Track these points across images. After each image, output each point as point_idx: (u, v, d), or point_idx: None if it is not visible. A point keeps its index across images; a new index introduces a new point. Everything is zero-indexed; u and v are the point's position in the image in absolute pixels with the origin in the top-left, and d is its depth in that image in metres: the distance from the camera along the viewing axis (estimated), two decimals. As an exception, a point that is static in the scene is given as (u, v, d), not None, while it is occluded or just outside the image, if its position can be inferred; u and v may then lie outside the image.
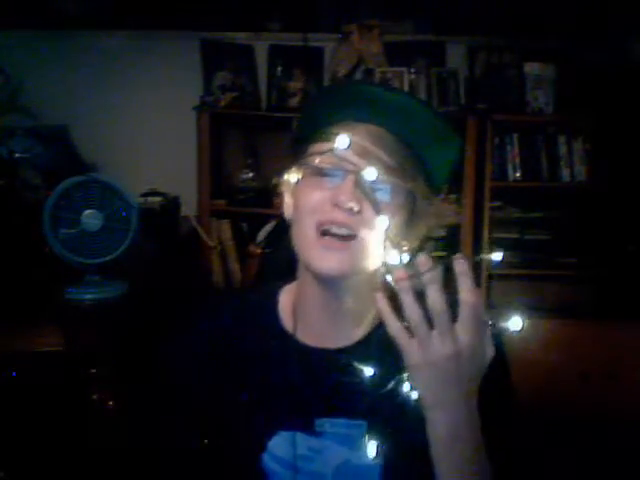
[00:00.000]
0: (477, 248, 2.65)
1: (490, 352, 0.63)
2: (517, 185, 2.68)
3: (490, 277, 2.64)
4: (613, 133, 2.62)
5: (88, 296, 1.66)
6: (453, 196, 2.66)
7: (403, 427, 0.68)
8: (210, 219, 2.64)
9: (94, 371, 1.53)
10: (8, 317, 1.58)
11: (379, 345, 0.72)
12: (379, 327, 0.72)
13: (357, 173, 0.68)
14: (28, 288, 1.68)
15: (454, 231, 2.66)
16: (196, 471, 0.74)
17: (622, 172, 2.57)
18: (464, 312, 0.60)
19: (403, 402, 0.65)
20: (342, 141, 0.64)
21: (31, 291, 1.68)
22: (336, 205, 0.69)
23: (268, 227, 2.57)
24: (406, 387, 0.64)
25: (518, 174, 2.67)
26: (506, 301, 2.63)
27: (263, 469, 0.73)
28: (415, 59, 2.76)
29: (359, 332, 0.77)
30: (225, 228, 2.69)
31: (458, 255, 0.60)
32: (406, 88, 2.67)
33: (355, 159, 0.70)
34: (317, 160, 0.72)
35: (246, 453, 0.73)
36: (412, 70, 2.70)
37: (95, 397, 1.52)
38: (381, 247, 0.63)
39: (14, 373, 1.49)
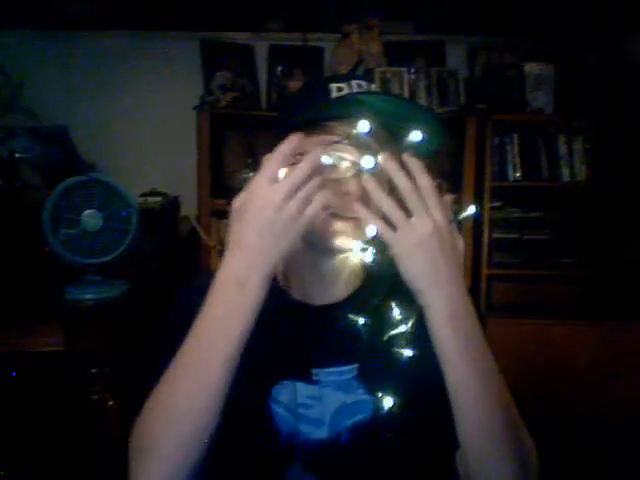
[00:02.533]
0: (477, 248, 2.65)
1: (461, 244, 0.71)
2: (517, 185, 2.68)
3: (490, 277, 2.64)
4: (613, 133, 2.62)
5: (88, 296, 1.66)
6: (453, 196, 2.66)
7: (389, 365, 0.77)
8: (210, 219, 2.64)
9: (94, 371, 1.54)
10: (8, 317, 1.59)
11: (362, 300, 0.83)
12: (361, 287, 0.86)
13: (357, 163, 0.75)
14: (28, 288, 1.69)
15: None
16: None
17: (622, 172, 2.57)
18: (426, 195, 0.68)
19: (387, 344, 0.76)
20: (363, 126, 0.70)
21: (31, 291, 1.68)
22: (345, 193, 0.76)
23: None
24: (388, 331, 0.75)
25: (518, 174, 2.67)
26: (506, 301, 2.63)
27: (269, 412, 0.80)
28: (415, 59, 2.76)
29: (345, 290, 0.86)
30: (225, 228, 2.69)
31: (406, 155, 0.69)
32: (406, 88, 2.67)
33: (353, 150, 0.76)
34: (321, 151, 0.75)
35: (252, 399, 0.79)
36: (412, 70, 2.70)
37: (95, 397, 1.53)
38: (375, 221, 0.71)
39: (14, 373, 1.49)
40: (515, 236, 2.72)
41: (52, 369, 1.51)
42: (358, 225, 0.76)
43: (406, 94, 2.66)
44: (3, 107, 2.46)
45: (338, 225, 0.77)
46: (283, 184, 0.68)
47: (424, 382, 0.77)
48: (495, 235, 2.68)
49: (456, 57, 2.83)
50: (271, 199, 0.67)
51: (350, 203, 0.75)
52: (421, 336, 0.74)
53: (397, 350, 0.76)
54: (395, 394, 0.77)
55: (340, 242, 0.78)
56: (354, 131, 0.71)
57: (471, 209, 0.74)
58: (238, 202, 0.71)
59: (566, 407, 2.39)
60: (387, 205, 0.69)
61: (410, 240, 0.67)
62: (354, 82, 0.83)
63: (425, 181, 0.68)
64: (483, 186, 2.62)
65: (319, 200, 0.69)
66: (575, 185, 2.68)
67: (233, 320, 0.69)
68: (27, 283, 1.70)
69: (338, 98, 0.80)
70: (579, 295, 2.61)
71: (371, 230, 0.70)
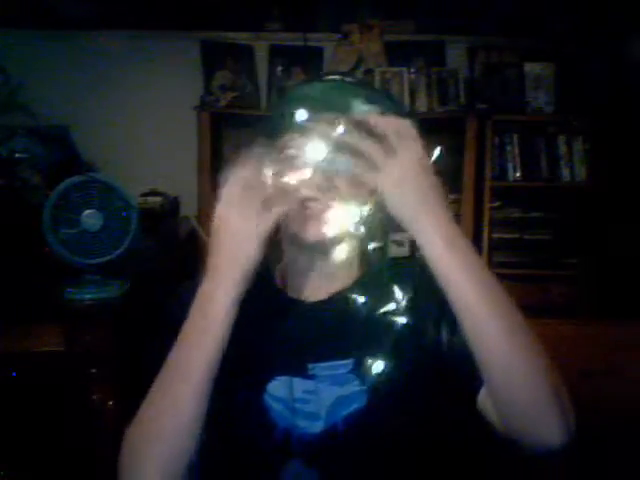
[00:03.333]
0: (477, 248, 2.65)
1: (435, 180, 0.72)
2: (517, 185, 2.69)
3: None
4: (613, 133, 2.62)
5: (88, 296, 1.66)
6: (453, 196, 2.66)
7: (383, 355, 0.78)
8: (210, 219, 2.64)
9: (94, 371, 1.54)
10: (8, 317, 1.58)
11: (354, 296, 0.83)
12: (353, 284, 0.88)
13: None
14: (28, 288, 1.68)
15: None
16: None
17: (622, 172, 2.57)
18: (402, 134, 0.69)
19: (379, 336, 0.78)
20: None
21: (31, 291, 1.68)
22: (312, 186, 0.78)
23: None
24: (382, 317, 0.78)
25: (518, 174, 2.68)
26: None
27: (265, 407, 0.81)
28: (415, 59, 2.76)
29: (337, 286, 0.88)
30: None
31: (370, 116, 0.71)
32: (406, 88, 2.67)
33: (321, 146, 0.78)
34: (290, 150, 0.82)
35: (248, 395, 0.81)
36: (412, 70, 2.70)
37: (95, 397, 1.52)
38: (354, 214, 0.76)
39: (14, 373, 1.49)
40: (515, 236, 2.73)
41: (52, 369, 1.51)
42: (333, 214, 0.80)
43: (406, 94, 2.66)
44: (3, 107, 2.46)
45: (313, 217, 0.81)
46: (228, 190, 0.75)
47: (419, 348, 0.80)
48: (495, 235, 2.68)
49: (456, 57, 2.83)
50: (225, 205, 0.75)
51: (323, 196, 0.79)
52: (416, 309, 0.79)
53: (391, 319, 0.78)
54: (387, 361, 0.78)
55: (316, 233, 0.81)
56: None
57: (437, 151, 0.73)
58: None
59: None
60: (366, 146, 0.68)
61: (395, 174, 0.68)
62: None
63: (396, 123, 0.70)
64: (483, 186, 2.62)
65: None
66: (575, 185, 2.68)
67: (205, 334, 0.73)
68: (27, 283, 1.70)
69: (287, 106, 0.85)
70: (579, 295, 2.61)
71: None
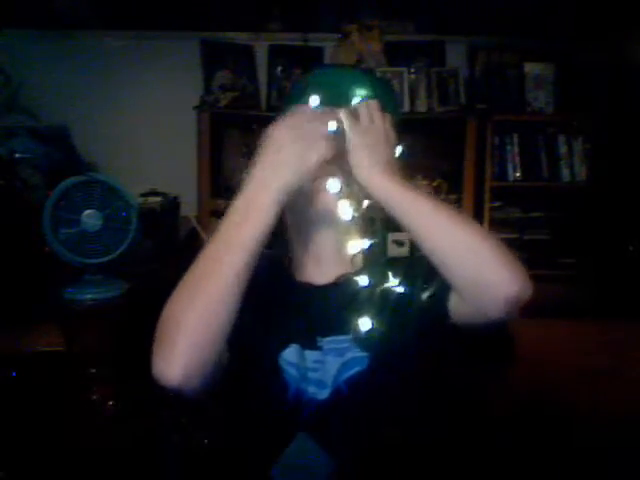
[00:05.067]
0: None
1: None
2: (517, 185, 2.68)
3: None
4: (613, 133, 2.62)
5: (88, 296, 1.66)
6: (453, 196, 2.66)
7: (380, 323, 0.88)
8: (210, 219, 2.64)
9: (94, 371, 1.54)
10: (8, 317, 1.59)
11: (356, 279, 0.93)
12: (355, 270, 0.95)
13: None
14: (28, 288, 1.69)
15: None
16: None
17: (622, 172, 2.57)
18: (370, 107, 0.88)
19: (377, 307, 0.88)
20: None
21: (31, 291, 1.68)
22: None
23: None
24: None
25: (518, 174, 2.67)
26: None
27: (280, 367, 0.89)
28: (415, 59, 2.76)
29: (344, 270, 0.97)
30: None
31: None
32: (406, 88, 2.67)
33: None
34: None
35: (266, 356, 0.89)
36: (412, 70, 2.70)
37: (95, 397, 1.53)
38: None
39: (14, 373, 1.49)
40: (515, 236, 2.72)
41: (52, 369, 1.51)
42: (342, 190, 0.89)
43: (406, 94, 2.66)
44: (3, 107, 2.46)
45: (322, 189, 0.90)
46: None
47: (409, 317, 0.89)
48: (495, 235, 2.68)
49: (456, 57, 2.83)
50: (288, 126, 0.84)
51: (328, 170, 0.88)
52: (407, 279, 0.90)
53: (387, 292, 0.89)
54: (384, 327, 0.88)
55: (327, 205, 0.90)
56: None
57: (399, 148, 0.90)
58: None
59: (565, 407, 2.39)
60: (342, 115, 0.86)
61: (357, 140, 0.85)
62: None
63: (371, 103, 0.89)
64: (483, 186, 2.62)
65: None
66: (575, 185, 2.68)
67: (247, 224, 0.80)
68: (27, 283, 1.70)
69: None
70: (579, 295, 2.61)
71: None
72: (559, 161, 2.68)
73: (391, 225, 0.87)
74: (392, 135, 0.89)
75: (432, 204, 0.82)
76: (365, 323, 0.88)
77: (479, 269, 0.79)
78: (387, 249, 2.24)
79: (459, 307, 0.85)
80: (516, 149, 2.68)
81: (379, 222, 0.97)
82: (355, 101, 0.93)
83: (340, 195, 0.89)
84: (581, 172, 2.68)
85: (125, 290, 1.70)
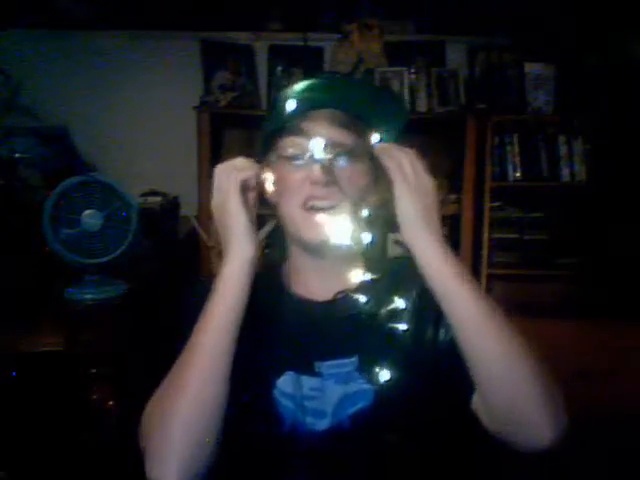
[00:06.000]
0: (477, 248, 2.65)
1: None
2: (517, 185, 2.68)
3: (490, 277, 2.64)
4: (613, 133, 2.62)
5: (88, 296, 1.66)
6: (453, 196, 2.66)
7: (388, 355, 0.82)
8: (210, 219, 2.64)
9: (94, 371, 1.53)
10: (8, 317, 1.59)
11: (358, 296, 0.88)
12: (356, 285, 0.90)
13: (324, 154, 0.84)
14: (28, 288, 1.69)
15: (454, 231, 2.67)
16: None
17: (622, 172, 2.57)
18: (410, 157, 0.78)
19: (383, 335, 0.83)
20: (316, 144, 0.83)
21: (31, 291, 1.68)
22: (314, 182, 0.84)
23: (267, 227, 2.57)
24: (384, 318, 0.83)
25: (518, 174, 2.67)
26: (506, 301, 2.63)
27: (273, 401, 0.84)
28: (415, 59, 2.76)
29: (341, 287, 0.91)
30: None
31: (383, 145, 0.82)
32: (406, 88, 2.67)
33: (319, 142, 0.84)
34: (290, 150, 0.88)
35: (258, 389, 0.84)
36: (412, 70, 2.70)
37: (95, 397, 1.52)
38: (357, 213, 0.83)
39: (14, 373, 1.49)
40: (515, 236, 2.73)
41: (52, 369, 1.51)
42: (337, 214, 0.84)
43: (406, 94, 2.66)
44: (3, 107, 2.46)
45: (315, 218, 0.85)
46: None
47: (420, 354, 0.83)
48: (495, 235, 2.68)
49: (456, 57, 2.83)
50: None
51: (320, 191, 0.84)
52: (418, 312, 0.84)
53: (393, 325, 0.84)
54: (392, 368, 0.81)
55: (319, 234, 0.85)
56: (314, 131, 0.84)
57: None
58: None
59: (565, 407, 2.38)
60: (390, 163, 0.80)
61: (410, 186, 0.77)
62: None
63: (408, 153, 0.79)
64: (483, 186, 2.62)
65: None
66: (575, 185, 2.68)
67: (227, 294, 0.79)
68: (27, 283, 1.70)
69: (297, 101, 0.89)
70: (579, 295, 2.60)
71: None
72: (559, 161, 2.68)
73: (391, 225, 0.82)
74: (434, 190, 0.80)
75: (484, 304, 0.74)
76: (369, 350, 0.82)
77: (516, 397, 0.71)
78: (387, 249, 2.24)
79: (482, 409, 0.77)
80: (516, 149, 2.68)
81: (379, 222, 0.90)
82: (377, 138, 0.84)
83: (333, 216, 0.84)
84: (581, 172, 2.67)
85: (125, 290, 1.70)
